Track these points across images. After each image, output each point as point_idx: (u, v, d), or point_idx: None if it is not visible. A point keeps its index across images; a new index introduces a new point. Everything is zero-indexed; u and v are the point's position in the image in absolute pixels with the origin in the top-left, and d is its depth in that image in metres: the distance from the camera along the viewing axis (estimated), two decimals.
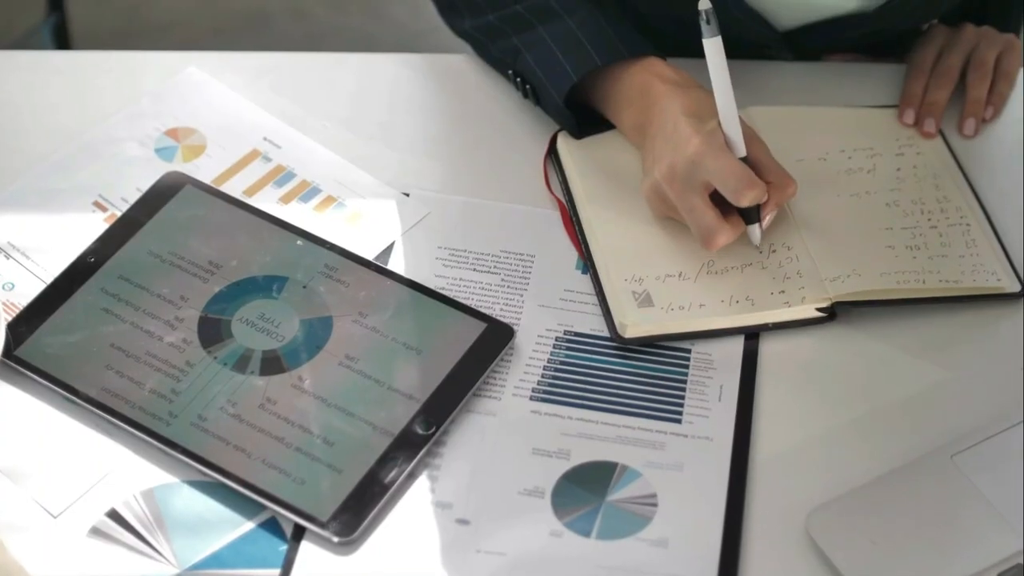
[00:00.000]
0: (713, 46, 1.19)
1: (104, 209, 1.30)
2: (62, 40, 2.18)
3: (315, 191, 1.32)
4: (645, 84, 1.30)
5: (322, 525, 1.08)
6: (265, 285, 1.22)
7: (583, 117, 1.35)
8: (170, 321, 1.20)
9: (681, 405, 1.16)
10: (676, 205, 1.22)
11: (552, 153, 1.34)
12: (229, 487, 1.10)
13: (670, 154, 1.22)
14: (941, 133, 1.37)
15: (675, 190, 1.22)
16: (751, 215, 1.22)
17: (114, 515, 1.09)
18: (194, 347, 1.18)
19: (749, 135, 1.23)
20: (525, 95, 1.37)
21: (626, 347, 1.19)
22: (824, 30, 1.42)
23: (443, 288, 1.23)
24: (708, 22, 1.18)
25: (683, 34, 1.30)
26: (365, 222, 1.29)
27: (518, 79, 1.37)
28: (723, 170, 1.19)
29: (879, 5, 1.37)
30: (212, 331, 1.19)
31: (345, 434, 1.13)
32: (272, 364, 1.17)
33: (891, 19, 1.39)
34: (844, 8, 1.39)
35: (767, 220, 1.23)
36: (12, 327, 1.19)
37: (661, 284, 1.22)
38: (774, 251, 1.24)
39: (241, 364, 1.17)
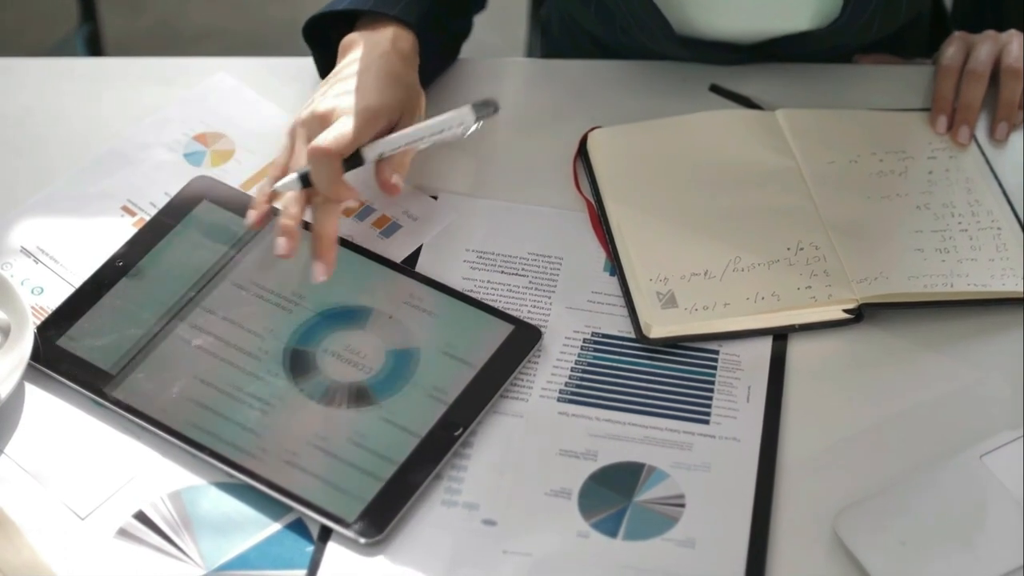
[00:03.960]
0: None
1: (133, 214, 1.30)
2: (95, 50, 2.19)
3: None
4: (377, 36, 1.28)
5: (348, 526, 1.08)
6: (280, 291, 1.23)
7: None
8: (197, 325, 1.20)
9: (709, 406, 1.16)
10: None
11: (582, 153, 1.34)
12: (255, 488, 1.10)
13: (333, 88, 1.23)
14: (974, 136, 1.36)
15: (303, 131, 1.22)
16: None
17: (141, 517, 1.10)
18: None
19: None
20: None
21: (653, 348, 1.19)
22: (788, 44, 1.43)
23: (471, 291, 1.23)
24: None
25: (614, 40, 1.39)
26: (393, 225, 1.29)
27: None
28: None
29: (829, 24, 1.38)
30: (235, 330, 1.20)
31: (372, 435, 1.13)
32: None
33: (847, 36, 1.41)
34: (796, 28, 1.40)
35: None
36: (41, 331, 1.19)
37: (686, 283, 1.21)
38: (801, 249, 1.24)
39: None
